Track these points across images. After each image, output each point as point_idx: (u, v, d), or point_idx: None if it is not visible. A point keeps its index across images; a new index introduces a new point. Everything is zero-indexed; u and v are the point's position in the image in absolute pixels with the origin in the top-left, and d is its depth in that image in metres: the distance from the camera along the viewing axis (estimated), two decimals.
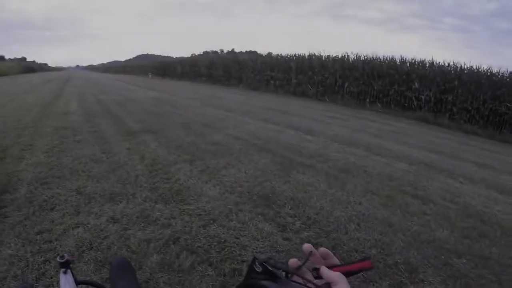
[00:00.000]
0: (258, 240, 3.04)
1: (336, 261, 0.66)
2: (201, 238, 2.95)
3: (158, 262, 2.52)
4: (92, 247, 2.64)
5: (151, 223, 3.13)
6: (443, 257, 3.24)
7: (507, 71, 14.35)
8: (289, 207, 3.82)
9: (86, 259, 2.48)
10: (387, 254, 3.09)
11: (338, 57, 19.30)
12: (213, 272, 2.50)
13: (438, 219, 4.09)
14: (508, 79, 14.09)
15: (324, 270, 0.60)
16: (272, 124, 9.19)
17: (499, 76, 14.38)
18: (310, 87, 19.24)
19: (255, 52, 32.29)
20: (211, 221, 3.29)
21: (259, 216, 3.52)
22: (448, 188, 5.36)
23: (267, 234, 3.15)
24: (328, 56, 19.92)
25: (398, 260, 3.02)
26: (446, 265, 3.11)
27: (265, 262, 0.64)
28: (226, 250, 2.82)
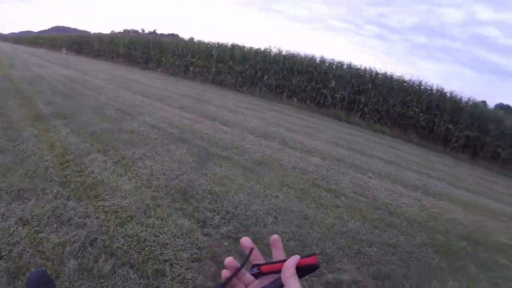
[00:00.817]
0: (179, 238, 3.02)
1: (282, 254, 0.66)
2: (120, 238, 2.84)
3: (76, 268, 2.37)
4: (1, 256, 2.38)
5: (65, 223, 2.91)
6: (355, 246, 3.52)
7: (417, 80, 16.33)
8: (208, 201, 3.84)
9: None
10: (304, 246, 3.28)
11: (260, 50, 19.66)
12: (135, 275, 2.44)
13: (350, 211, 4.42)
14: (417, 87, 15.99)
15: (288, 278, 0.59)
16: (188, 113, 9.09)
17: (409, 84, 16.23)
18: (229, 77, 19.28)
19: (177, 36, 31.45)
20: (129, 219, 3.18)
21: (178, 211, 3.49)
22: (358, 182, 5.80)
23: (187, 231, 3.14)
24: (251, 47, 20.20)
25: (315, 251, 3.18)
26: (359, 254, 3.39)
27: None
28: (146, 250, 2.76)
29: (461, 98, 15.64)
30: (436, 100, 15.40)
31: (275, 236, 0.66)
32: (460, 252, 4.05)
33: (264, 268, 0.63)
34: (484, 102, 16.79)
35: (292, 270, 0.60)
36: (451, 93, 15.78)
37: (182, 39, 26.18)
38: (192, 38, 24.99)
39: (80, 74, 14.61)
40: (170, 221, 3.26)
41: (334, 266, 3.05)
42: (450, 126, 14.72)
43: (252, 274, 0.65)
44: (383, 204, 5.01)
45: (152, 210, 3.42)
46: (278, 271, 0.61)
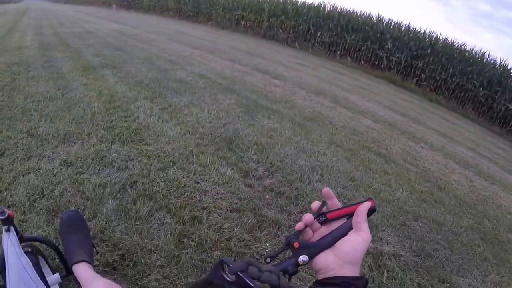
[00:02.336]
0: (219, 186, 2.95)
1: (337, 202, 0.70)
2: (160, 182, 2.81)
3: (114, 209, 2.36)
4: (44, 195, 2.39)
5: (107, 165, 2.91)
6: (401, 217, 3.30)
7: (480, 51, 15.01)
8: (253, 152, 3.73)
9: (38, 209, 2.25)
10: None
11: (313, 5, 18.92)
12: (171, 219, 2.39)
13: (398, 180, 4.16)
14: (479, 59, 14.67)
15: (360, 222, 0.65)
16: (239, 65, 8.92)
17: (471, 54, 14.95)
18: (281, 31, 18.76)
19: None
20: (171, 164, 3.13)
21: (221, 160, 3.41)
22: (409, 150, 5.49)
23: (229, 180, 3.06)
24: (304, 2, 19.50)
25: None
26: (404, 226, 3.17)
27: (241, 272, 0.53)
28: (185, 195, 2.71)
29: None
30: (498, 76, 14.05)
31: (326, 188, 0.70)
32: (507, 244, 3.69)
33: (330, 215, 0.68)
34: None
35: (365, 215, 0.66)
36: None
37: None
38: None
39: (129, 28, 14.59)
40: (212, 169, 3.18)
41: (376, 235, 2.88)
42: (511, 106, 13.49)
43: (319, 222, 0.69)
44: (433, 178, 4.68)
45: (195, 157, 3.35)
46: (343, 216, 0.68)
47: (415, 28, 16.38)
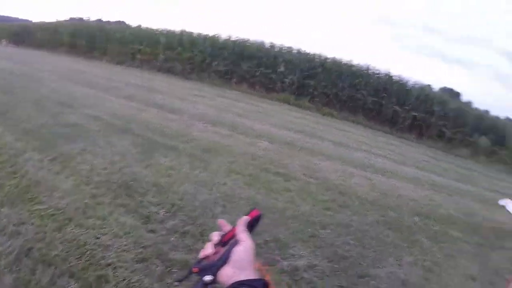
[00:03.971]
0: (121, 237, 2.88)
1: (230, 226, 0.85)
2: (57, 244, 2.64)
3: (12, 284, 2.19)
4: None
5: None
6: (309, 229, 3.51)
7: (365, 64, 16.87)
8: (152, 194, 3.72)
9: None
10: (256, 234, 3.20)
11: (209, 36, 19.30)
12: (76, 284, 2.29)
13: (301, 194, 4.43)
14: (365, 71, 16.51)
15: (240, 234, 0.80)
16: (135, 102, 8.80)
17: (358, 68, 16.70)
18: (178, 63, 18.79)
19: (123, 23, 30.13)
20: (67, 221, 2.97)
21: (120, 208, 3.34)
22: (308, 164, 5.83)
23: (130, 228, 3.01)
24: (199, 34, 19.80)
25: (268, 239, 3.16)
26: (313, 237, 3.39)
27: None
28: (87, 254, 2.60)
29: (407, 82, 16.41)
30: (383, 83, 15.97)
31: (220, 220, 0.89)
32: (413, 227, 4.18)
33: (225, 238, 0.81)
34: (429, 86, 17.54)
35: (242, 227, 0.81)
36: (398, 77, 16.45)
37: (129, 26, 25.19)
38: (139, 25, 24.08)
39: (19, 66, 13.32)
40: (111, 220, 3.10)
41: (287, 252, 3.02)
42: (397, 108, 15.30)
43: (221, 246, 0.81)
44: (334, 185, 5.07)
45: (92, 210, 3.23)
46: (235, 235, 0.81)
47: (305, 51, 17.72)
